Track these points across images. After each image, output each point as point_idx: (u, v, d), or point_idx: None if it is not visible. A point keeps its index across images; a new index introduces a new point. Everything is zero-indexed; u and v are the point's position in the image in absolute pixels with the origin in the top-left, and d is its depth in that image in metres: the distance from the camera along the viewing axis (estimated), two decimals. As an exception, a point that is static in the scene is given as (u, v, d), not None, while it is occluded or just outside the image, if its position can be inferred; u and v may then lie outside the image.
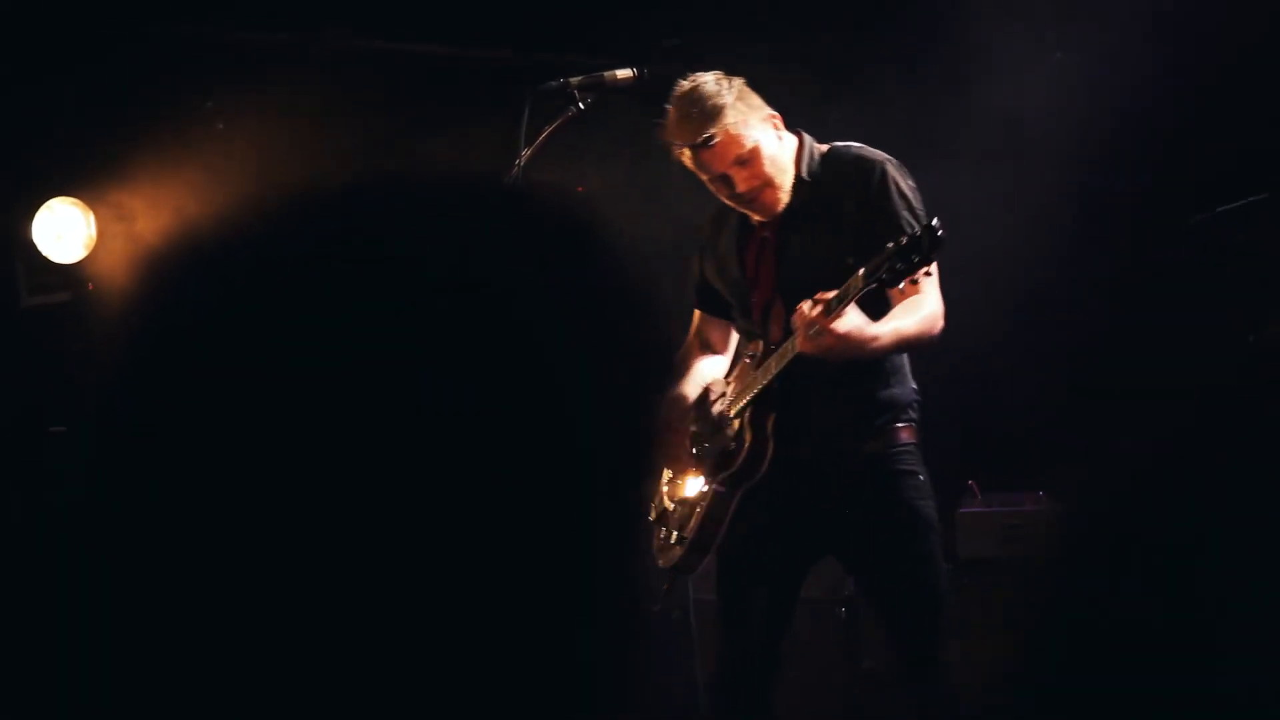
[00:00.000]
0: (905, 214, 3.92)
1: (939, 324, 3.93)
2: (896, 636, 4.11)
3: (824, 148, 4.13)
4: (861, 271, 3.65)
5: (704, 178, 4.08)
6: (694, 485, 4.26)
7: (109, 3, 6.00)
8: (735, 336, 4.39)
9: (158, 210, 6.11)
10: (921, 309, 3.87)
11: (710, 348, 4.41)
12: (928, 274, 3.72)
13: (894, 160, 4.04)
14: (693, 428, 4.27)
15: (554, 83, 4.28)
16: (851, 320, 3.70)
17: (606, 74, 4.32)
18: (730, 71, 4.08)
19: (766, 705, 4.15)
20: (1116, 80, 5.42)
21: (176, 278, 1.03)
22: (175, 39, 6.14)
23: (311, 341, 0.96)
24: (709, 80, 4.01)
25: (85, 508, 0.99)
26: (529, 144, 4.20)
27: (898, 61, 6.03)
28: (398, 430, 0.94)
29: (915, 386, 4.10)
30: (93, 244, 6.17)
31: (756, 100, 4.04)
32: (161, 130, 6.10)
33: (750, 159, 3.98)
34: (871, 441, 4.01)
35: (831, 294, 3.68)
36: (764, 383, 4.01)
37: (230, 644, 0.92)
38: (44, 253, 6.14)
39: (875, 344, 3.79)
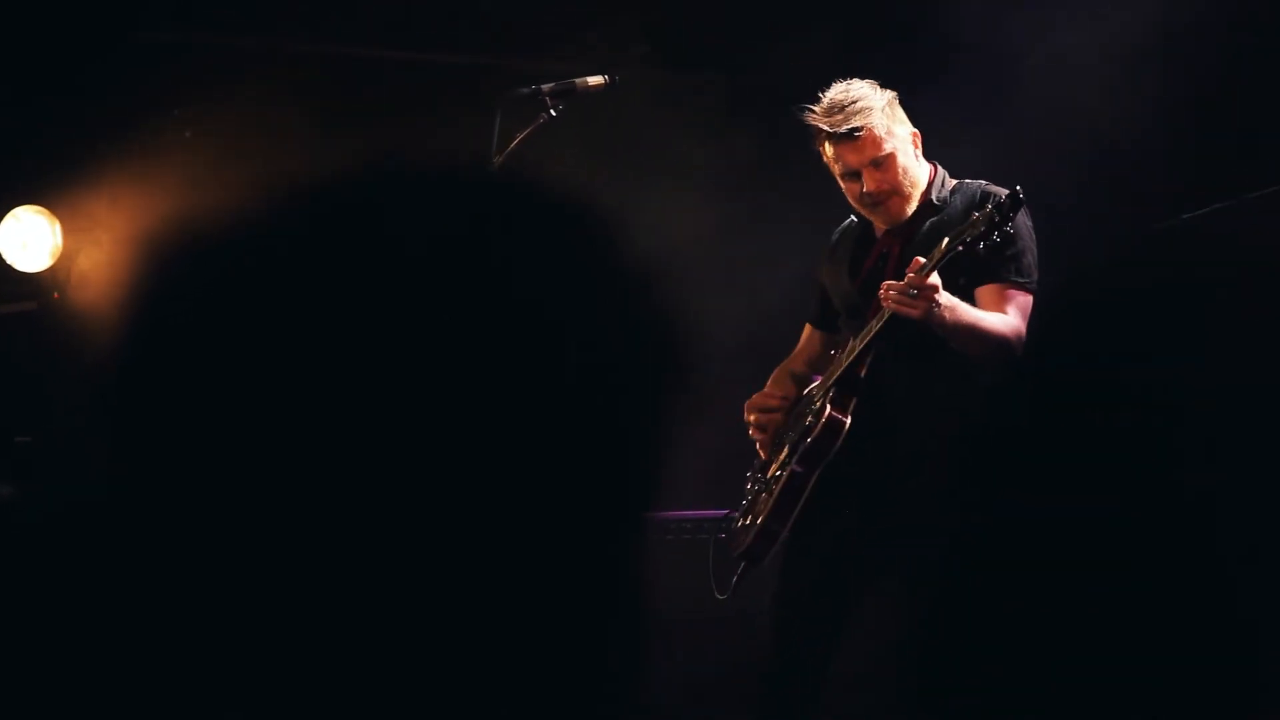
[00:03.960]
0: (1015, 254, 4.07)
1: (1016, 344, 4.03)
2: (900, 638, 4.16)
3: (954, 181, 4.30)
4: (946, 240, 3.86)
5: (836, 169, 4.22)
6: (774, 471, 4.32)
7: (74, 12, 5.97)
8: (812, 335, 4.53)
9: (124, 219, 6.08)
10: (1005, 319, 4.02)
11: (814, 365, 4.51)
12: (1014, 281, 4.00)
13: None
14: (782, 427, 4.38)
15: (525, 89, 4.30)
16: (936, 278, 3.85)
17: (578, 80, 4.34)
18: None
19: (817, 700, 4.19)
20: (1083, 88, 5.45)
21: (168, 277, 1.02)
22: (141, 47, 6.11)
23: (303, 335, 0.95)
24: (864, 84, 4.19)
25: (79, 509, 0.98)
26: (500, 150, 4.21)
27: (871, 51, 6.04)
28: (397, 420, 0.94)
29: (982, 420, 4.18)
30: (59, 253, 6.14)
31: (902, 115, 4.22)
32: (128, 139, 6.08)
33: (885, 163, 4.15)
34: (940, 443, 4.09)
35: (923, 260, 3.87)
36: (849, 361, 4.13)
37: (240, 640, 0.92)
38: (10, 261, 6.11)
39: (954, 313, 3.89)
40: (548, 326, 1.01)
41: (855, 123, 4.11)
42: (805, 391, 4.41)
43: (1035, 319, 4.09)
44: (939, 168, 4.30)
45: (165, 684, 0.94)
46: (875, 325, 4.02)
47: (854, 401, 4.13)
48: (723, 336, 5.49)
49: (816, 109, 4.17)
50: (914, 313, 3.83)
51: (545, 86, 4.29)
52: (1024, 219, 4.12)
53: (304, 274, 1.01)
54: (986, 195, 4.15)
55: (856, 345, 4.12)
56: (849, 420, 4.11)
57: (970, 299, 4.02)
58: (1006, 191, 4.11)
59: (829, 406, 4.14)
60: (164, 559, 0.96)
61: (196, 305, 1.00)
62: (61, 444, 5.42)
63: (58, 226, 6.14)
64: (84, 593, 0.98)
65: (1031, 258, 4.11)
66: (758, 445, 4.41)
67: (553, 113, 4.27)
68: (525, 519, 0.98)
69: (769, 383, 4.52)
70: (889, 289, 3.87)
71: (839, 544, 4.18)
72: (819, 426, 4.13)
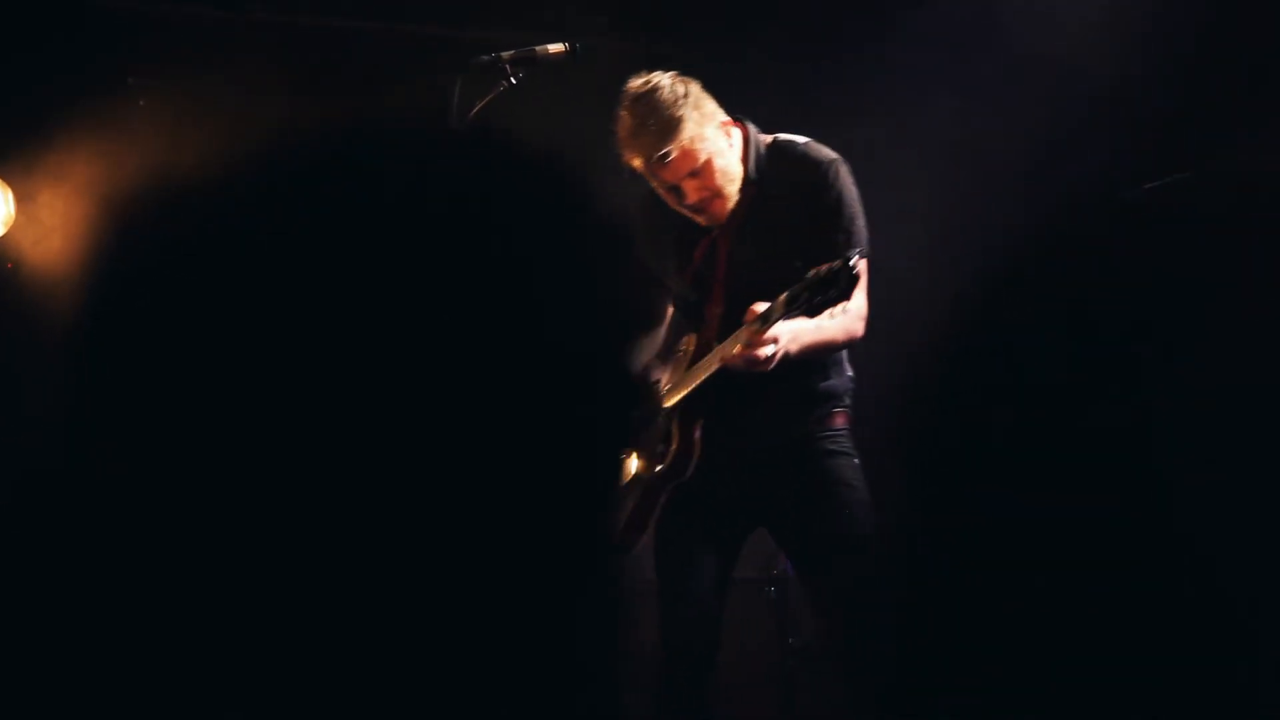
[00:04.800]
0: (846, 225, 3.93)
1: (861, 325, 3.99)
2: (825, 613, 4.13)
3: (768, 139, 4.12)
4: (783, 298, 3.64)
5: (653, 184, 4.08)
6: (630, 467, 4.29)
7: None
8: (670, 310, 4.41)
9: (77, 187, 6.02)
10: (845, 310, 3.87)
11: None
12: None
13: (842, 160, 4.04)
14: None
15: (485, 57, 4.26)
16: (777, 328, 3.71)
17: (538, 48, 4.30)
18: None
19: (705, 683, 4.16)
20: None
21: (126, 243, 1.00)
22: (95, 14, 6.05)
23: (263, 303, 0.93)
24: (665, 85, 3.97)
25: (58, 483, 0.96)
26: (459, 119, 4.17)
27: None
28: (369, 388, 0.91)
29: (852, 374, 4.14)
30: (11, 222, 6.07)
31: (710, 105, 4.02)
32: (82, 107, 6.03)
33: (703, 171, 3.98)
34: (806, 428, 4.05)
35: (762, 307, 3.69)
36: (692, 386, 4.02)
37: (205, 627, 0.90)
38: (-39, 231, 6.05)
39: (798, 342, 3.80)
40: (517, 288, 0.99)
41: (666, 146, 3.92)
42: (650, 374, 4.32)
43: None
44: (749, 130, 4.12)
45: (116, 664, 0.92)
46: (713, 364, 3.90)
47: (700, 423, 4.05)
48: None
49: (619, 129, 3.99)
50: (763, 369, 3.74)
51: (505, 54, 4.25)
52: (846, 180, 3.99)
53: (260, 240, 0.99)
54: (804, 159, 4.02)
55: (699, 373, 3.99)
56: (698, 450, 4.04)
57: None
58: (832, 157, 3.98)
59: (677, 432, 4.06)
60: (127, 534, 0.94)
61: (156, 271, 0.98)
62: (17, 415, 5.35)
63: (10, 195, 6.07)
64: (43, 572, 0.95)
65: (860, 220, 3.97)
66: None
67: (513, 80, 4.23)
68: (501, 480, 0.96)
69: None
70: (731, 354, 3.74)
71: (708, 537, 4.14)
72: (670, 455, 4.07)
